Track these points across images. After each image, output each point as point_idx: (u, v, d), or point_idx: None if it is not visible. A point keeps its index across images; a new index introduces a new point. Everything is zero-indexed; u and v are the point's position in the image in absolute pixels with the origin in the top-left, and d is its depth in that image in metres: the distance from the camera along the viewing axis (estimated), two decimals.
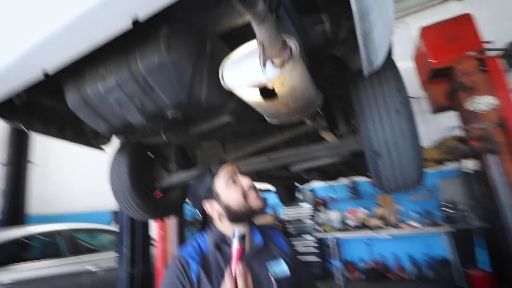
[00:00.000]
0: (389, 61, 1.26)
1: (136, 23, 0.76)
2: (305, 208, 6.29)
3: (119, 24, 0.77)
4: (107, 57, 1.00)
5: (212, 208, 0.96)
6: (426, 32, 3.36)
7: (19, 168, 5.54)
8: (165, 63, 0.92)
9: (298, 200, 6.05)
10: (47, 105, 1.40)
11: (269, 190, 4.30)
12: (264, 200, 0.98)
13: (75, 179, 7.77)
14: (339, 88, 1.53)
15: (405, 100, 1.21)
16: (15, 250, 3.31)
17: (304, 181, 3.38)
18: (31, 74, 0.91)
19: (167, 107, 1.08)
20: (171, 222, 3.89)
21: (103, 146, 1.82)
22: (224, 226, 0.96)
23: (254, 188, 0.96)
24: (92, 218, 5.23)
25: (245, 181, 0.96)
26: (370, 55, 0.98)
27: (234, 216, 0.93)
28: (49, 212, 7.16)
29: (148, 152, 2.07)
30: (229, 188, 0.94)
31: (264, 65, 0.87)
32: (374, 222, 5.62)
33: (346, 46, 1.26)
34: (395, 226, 5.43)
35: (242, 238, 0.76)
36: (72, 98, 1.12)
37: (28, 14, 0.78)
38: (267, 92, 0.92)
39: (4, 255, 3.14)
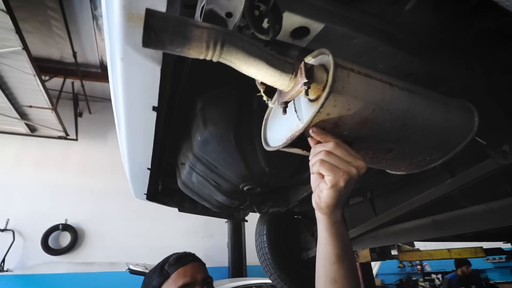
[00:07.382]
0: None
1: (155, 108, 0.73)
2: None
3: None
4: (181, 145, 1.02)
5: None
6: None
7: (239, 224, 6.92)
8: (207, 138, 0.81)
9: None
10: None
11: None
12: None
13: None
14: None
15: None
16: None
17: None
18: None
19: (236, 181, 0.93)
20: None
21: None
22: None
23: None
24: None
25: None
26: None
27: None
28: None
29: (297, 216, 1.92)
30: None
31: (285, 108, 0.56)
32: None
33: None
34: None
35: None
36: (179, 183, 1.22)
37: None
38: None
39: None
